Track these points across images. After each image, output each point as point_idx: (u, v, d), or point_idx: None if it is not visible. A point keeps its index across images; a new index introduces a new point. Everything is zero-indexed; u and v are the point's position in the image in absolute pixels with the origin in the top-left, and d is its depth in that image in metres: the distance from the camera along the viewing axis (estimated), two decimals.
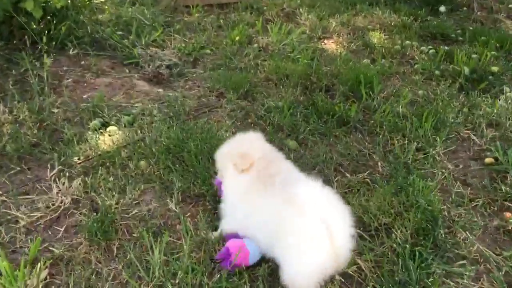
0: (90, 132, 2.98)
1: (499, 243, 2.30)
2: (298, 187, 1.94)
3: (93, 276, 2.03)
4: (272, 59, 4.02)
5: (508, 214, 2.46)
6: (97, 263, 2.11)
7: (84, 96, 3.47)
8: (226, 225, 2.17)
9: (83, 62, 3.94)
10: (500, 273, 2.10)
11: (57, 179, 2.56)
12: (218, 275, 2.03)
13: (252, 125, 3.17)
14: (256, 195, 1.99)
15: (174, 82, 3.78)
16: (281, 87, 3.59)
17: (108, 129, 3.04)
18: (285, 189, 1.92)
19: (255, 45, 4.37)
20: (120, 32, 4.37)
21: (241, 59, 4.10)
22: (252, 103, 3.42)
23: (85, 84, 3.65)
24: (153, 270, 2.04)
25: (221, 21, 4.94)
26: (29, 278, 1.94)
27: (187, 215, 2.38)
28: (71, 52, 3.99)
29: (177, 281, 2.01)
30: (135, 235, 2.25)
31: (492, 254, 2.22)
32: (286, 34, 4.52)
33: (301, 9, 5.22)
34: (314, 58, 4.04)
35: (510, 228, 2.36)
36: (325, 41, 4.59)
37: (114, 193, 2.46)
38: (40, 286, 1.94)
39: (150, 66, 3.86)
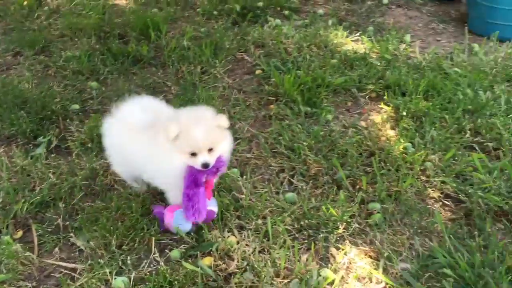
0: None
1: (265, 126, 3.01)
2: None
3: None
4: (64, 18, 4.23)
5: (271, 106, 3.20)
6: None
7: None
8: None
9: None
10: (266, 143, 2.82)
11: None
12: (38, 189, 2.38)
13: (53, 74, 3.44)
14: None
15: None
16: (76, 39, 3.87)
17: None
18: None
19: (46, 8, 4.50)
20: None
21: (33, 21, 4.23)
22: (50, 57, 3.65)
23: None
24: None
25: None
26: None
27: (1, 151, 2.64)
28: None
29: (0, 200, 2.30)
30: None
31: (261, 133, 2.93)
32: None
33: None
34: (105, 13, 4.36)
35: (271, 114, 3.08)
36: None
37: None
38: None
39: None
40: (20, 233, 2.18)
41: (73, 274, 1.99)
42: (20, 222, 2.24)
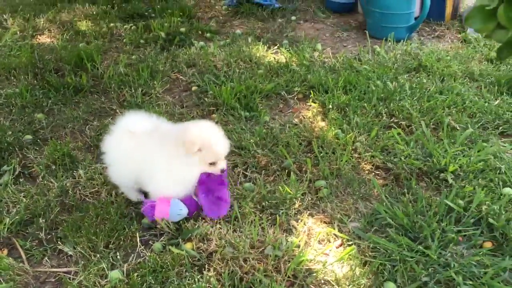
0: None
1: None
2: None
3: None
4: None
5: (213, 115, 3.52)
6: None
7: None
8: None
9: None
10: None
11: None
12: (15, 210, 2.50)
13: None
14: None
15: None
16: (12, 78, 3.96)
17: None
18: None
19: None
20: None
21: None
22: None
23: None
24: None
25: None
26: None
27: None
28: None
29: None
30: None
31: None
32: None
33: (5, 15, 5.44)
34: (33, 51, 4.46)
35: (215, 121, 3.39)
36: (39, 37, 5.00)
37: None
38: None
39: None
40: (5, 252, 2.30)
41: (69, 275, 2.16)
42: (3, 243, 2.35)
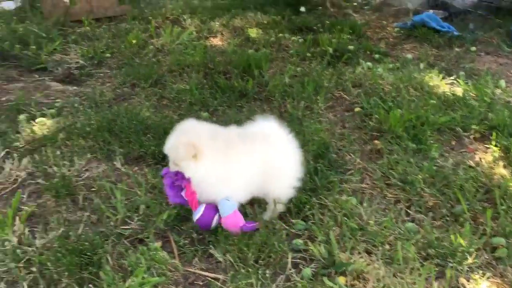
0: (21, 124, 3.25)
1: (372, 159, 3.09)
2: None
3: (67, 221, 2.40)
4: (171, 55, 4.56)
5: (376, 141, 3.28)
6: (67, 213, 2.48)
7: (3, 99, 3.68)
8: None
9: None
10: (377, 175, 2.89)
11: (5, 160, 2.83)
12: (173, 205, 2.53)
13: (168, 104, 3.70)
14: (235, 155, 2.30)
15: (85, 81, 4.13)
16: (184, 74, 4.15)
17: (36, 120, 3.33)
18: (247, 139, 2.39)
19: (151, 46, 4.87)
20: (18, 45, 4.55)
21: (143, 58, 4.58)
22: (163, 89, 3.93)
23: None
24: (118, 209, 2.46)
25: (113, 30, 5.34)
26: (14, 225, 2.25)
27: (134, 170, 2.84)
28: None
29: (140, 213, 2.47)
30: (94, 188, 2.64)
31: (369, 166, 3.00)
32: (177, 35, 5.08)
33: (184, 16, 5.82)
34: (206, 52, 4.66)
35: (378, 148, 3.16)
36: (212, 39, 5.23)
37: (64, 162, 2.81)
38: (26, 230, 2.26)
39: (59, 69, 4.17)
40: (159, 244, 2.32)
41: (217, 282, 2.09)
42: (158, 234, 2.39)
